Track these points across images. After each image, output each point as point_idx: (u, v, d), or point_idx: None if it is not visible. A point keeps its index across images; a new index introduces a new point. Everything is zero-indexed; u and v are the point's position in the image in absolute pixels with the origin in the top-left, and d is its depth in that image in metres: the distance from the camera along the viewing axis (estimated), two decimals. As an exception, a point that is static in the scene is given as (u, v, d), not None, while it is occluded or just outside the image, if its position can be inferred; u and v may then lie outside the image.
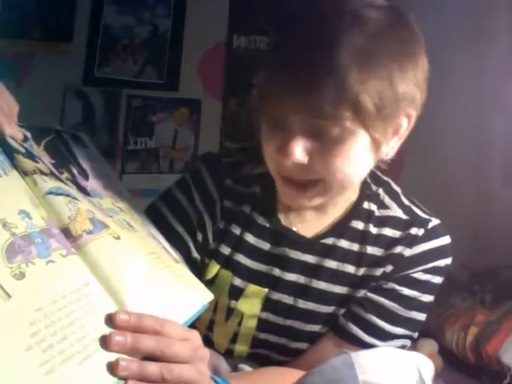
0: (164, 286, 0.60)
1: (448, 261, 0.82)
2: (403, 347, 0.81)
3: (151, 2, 2.29)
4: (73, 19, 2.27)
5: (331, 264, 0.81)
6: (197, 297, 0.63)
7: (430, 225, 0.81)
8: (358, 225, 0.82)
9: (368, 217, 0.82)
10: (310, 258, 0.82)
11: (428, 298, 0.81)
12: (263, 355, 0.86)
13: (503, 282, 1.75)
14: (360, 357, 0.71)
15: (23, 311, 0.48)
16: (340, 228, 0.82)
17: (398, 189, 0.86)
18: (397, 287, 0.80)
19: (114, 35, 2.28)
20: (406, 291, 0.80)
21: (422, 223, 0.81)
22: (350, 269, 0.81)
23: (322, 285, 0.81)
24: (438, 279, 0.81)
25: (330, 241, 0.82)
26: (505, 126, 1.93)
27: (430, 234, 0.80)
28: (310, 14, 0.69)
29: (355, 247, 0.82)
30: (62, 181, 0.63)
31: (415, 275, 0.80)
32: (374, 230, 0.82)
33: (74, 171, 0.69)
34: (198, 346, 0.57)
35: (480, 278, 1.80)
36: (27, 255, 0.51)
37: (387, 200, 0.84)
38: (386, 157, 0.75)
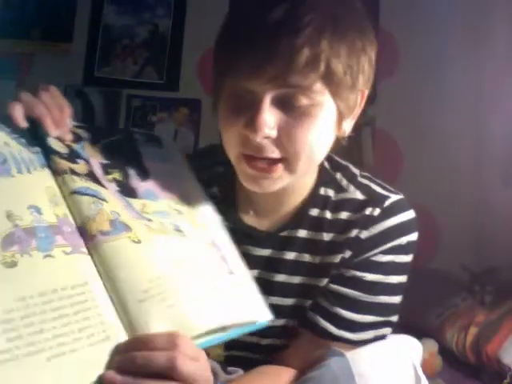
0: (181, 298, 0.57)
1: (411, 237, 0.78)
2: (383, 337, 0.79)
3: (151, 2, 2.29)
4: (73, 19, 2.27)
5: (290, 256, 0.80)
6: (226, 314, 0.60)
7: (388, 202, 0.78)
8: (314, 212, 0.80)
9: (324, 203, 0.80)
10: (269, 253, 0.81)
11: (396, 278, 0.78)
12: (239, 357, 0.84)
13: (503, 282, 1.75)
14: (358, 364, 0.71)
15: (1, 298, 0.48)
16: (297, 218, 0.81)
17: (356, 171, 0.84)
18: (358, 274, 0.77)
19: (114, 35, 2.28)
20: (369, 276, 0.77)
21: (378, 202, 0.78)
22: (308, 258, 0.80)
23: (282, 277, 0.80)
24: (402, 258, 0.78)
25: (288, 232, 0.81)
26: (505, 125, 1.93)
27: (387, 212, 0.77)
28: None
29: (312, 235, 0.80)
30: (99, 182, 0.64)
31: (375, 258, 0.77)
32: (329, 215, 0.80)
33: (130, 172, 0.70)
34: (207, 368, 0.56)
35: (480, 278, 1.79)
36: (26, 246, 0.52)
37: (344, 183, 0.81)
38: (344, 134, 0.75)
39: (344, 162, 0.84)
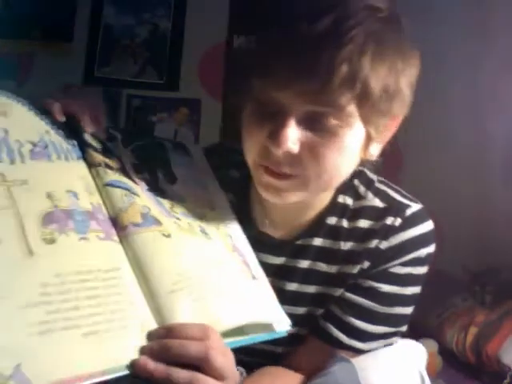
0: (208, 294, 0.59)
1: (430, 249, 0.77)
2: (390, 345, 0.78)
3: (151, 2, 2.29)
4: (73, 19, 2.27)
5: (303, 264, 0.79)
6: (250, 313, 0.62)
7: (409, 212, 0.76)
8: (332, 221, 0.78)
9: (343, 211, 0.78)
10: (282, 261, 0.80)
11: (411, 290, 0.77)
12: (245, 362, 0.83)
13: (503, 282, 1.75)
14: (365, 372, 0.71)
15: (40, 271, 0.50)
16: (314, 227, 0.79)
17: (373, 176, 0.81)
18: (375, 285, 0.75)
19: (114, 35, 2.28)
20: (386, 288, 0.75)
21: (399, 211, 0.76)
22: (323, 267, 0.78)
23: (294, 286, 0.79)
24: (419, 270, 0.77)
25: (303, 241, 0.79)
26: (505, 125, 1.93)
27: (409, 222, 0.76)
28: (323, 2, 0.65)
29: (328, 244, 0.78)
30: (130, 178, 0.67)
31: (393, 270, 0.76)
32: (347, 224, 0.78)
33: (159, 175, 0.73)
34: (234, 365, 0.56)
35: (480, 279, 1.79)
36: (63, 226, 0.54)
37: (362, 190, 0.79)
38: (370, 158, 0.72)
39: (360, 168, 0.79)
